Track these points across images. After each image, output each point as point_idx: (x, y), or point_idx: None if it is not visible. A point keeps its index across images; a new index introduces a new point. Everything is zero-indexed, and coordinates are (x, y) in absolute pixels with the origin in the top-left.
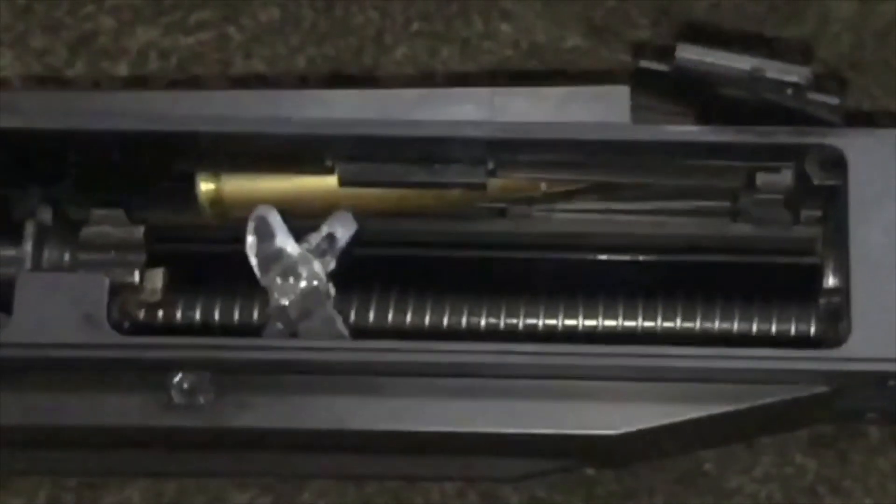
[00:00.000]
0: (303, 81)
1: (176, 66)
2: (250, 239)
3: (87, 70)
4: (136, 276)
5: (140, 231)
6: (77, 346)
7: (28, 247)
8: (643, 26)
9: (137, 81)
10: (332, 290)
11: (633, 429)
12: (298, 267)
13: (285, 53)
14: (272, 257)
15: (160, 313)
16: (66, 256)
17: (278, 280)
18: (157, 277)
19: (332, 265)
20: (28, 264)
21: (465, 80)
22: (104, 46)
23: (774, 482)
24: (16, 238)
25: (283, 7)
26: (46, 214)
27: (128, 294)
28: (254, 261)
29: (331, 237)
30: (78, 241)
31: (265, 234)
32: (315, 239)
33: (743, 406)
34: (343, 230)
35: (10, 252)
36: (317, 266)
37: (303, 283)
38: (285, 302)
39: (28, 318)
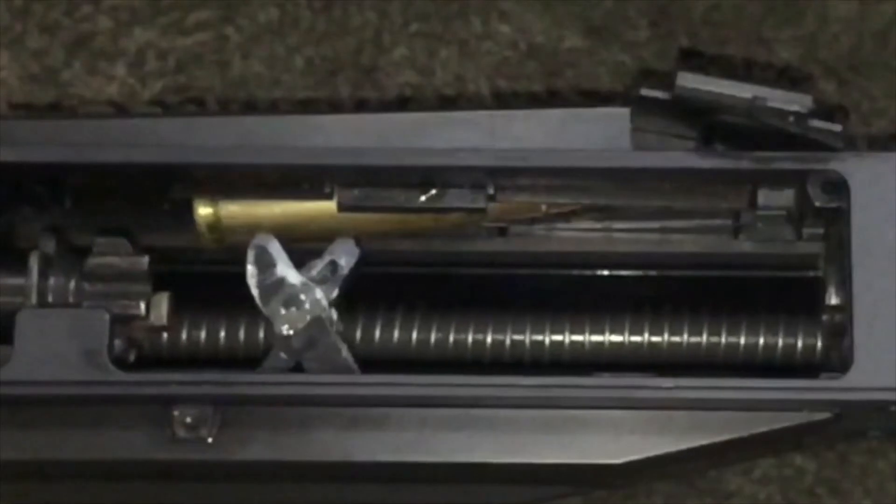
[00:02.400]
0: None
1: (174, 66)
2: (250, 269)
3: (84, 71)
4: (142, 308)
5: (145, 261)
6: (78, 384)
7: (33, 279)
8: (642, 27)
9: (135, 82)
10: (336, 317)
11: (636, 457)
12: (300, 296)
13: (283, 54)
14: (273, 287)
15: (165, 340)
16: (72, 286)
17: (281, 310)
18: (163, 303)
19: (335, 293)
20: (33, 297)
21: (464, 81)
22: (102, 47)
23: (774, 484)
24: (20, 266)
25: (282, 7)
26: (50, 244)
27: (133, 323)
28: (255, 291)
29: (333, 264)
30: (82, 272)
31: (265, 263)
32: (317, 267)
33: (746, 433)
34: (346, 257)
35: (15, 281)
36: (319, 294)
37: (306, 313)
38: (289, 332)
39: (29, 354)
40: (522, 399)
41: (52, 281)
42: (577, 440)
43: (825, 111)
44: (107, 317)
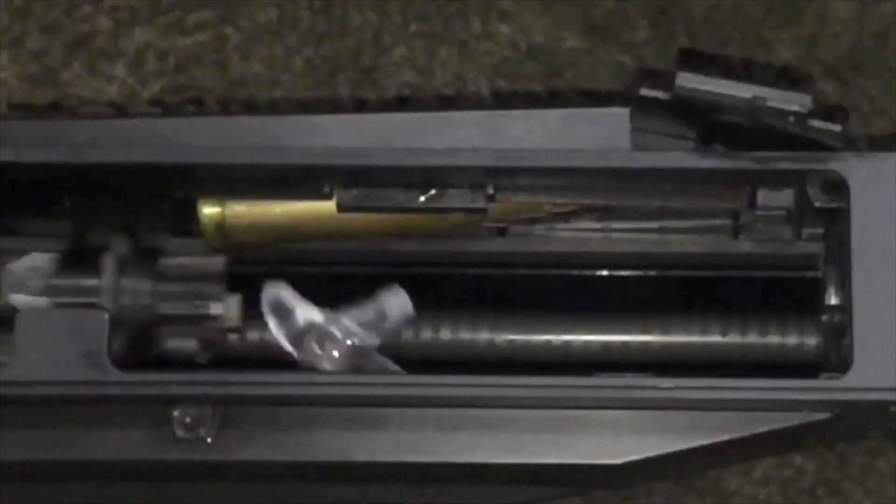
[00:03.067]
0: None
1: (174, 66)
2: (271, 322)
3: (83, 71)
4: (217, 308)
5: (220, 261)
6: (78, 384)
7: (108, 280)
8: (642, 27)
9: (135, 82)
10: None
11: (636, 457)
12: (331, 329)
13: (283, 54)
14: (301, 331)
15: (233, 342)
16: (147, 287)
17: (316, 349)
18: (234, 304)
19: (377, 342)
20: (109, 298)
21: (464, 81)
22: (101, 47)
23: (774, 484)
24: (94, 266)
25: (281, 8)
26: (123, 245)
27: (206, 324)
28: (284, 342)
29: (382, 314)
30: (155, 273)
31: (284, 312)
32: (366, 311)
33: (746, 433)
34: (397, 310)
35: (90, 282)
36: (347, 321)
37: (343, 344)
38: (334, 368)
39: (29, 354)
40: (522, 399)
41: (126, 281)
42: (577, 440)
43: (825, 111)
44: (106, 316)
